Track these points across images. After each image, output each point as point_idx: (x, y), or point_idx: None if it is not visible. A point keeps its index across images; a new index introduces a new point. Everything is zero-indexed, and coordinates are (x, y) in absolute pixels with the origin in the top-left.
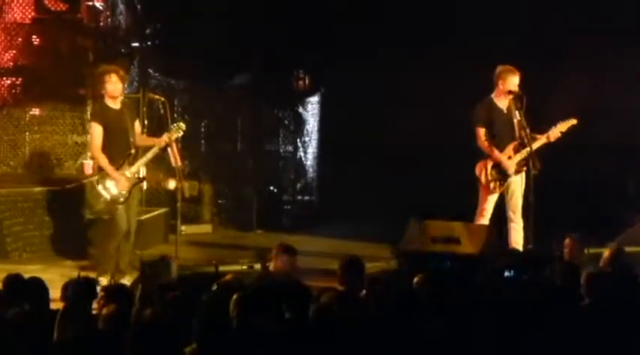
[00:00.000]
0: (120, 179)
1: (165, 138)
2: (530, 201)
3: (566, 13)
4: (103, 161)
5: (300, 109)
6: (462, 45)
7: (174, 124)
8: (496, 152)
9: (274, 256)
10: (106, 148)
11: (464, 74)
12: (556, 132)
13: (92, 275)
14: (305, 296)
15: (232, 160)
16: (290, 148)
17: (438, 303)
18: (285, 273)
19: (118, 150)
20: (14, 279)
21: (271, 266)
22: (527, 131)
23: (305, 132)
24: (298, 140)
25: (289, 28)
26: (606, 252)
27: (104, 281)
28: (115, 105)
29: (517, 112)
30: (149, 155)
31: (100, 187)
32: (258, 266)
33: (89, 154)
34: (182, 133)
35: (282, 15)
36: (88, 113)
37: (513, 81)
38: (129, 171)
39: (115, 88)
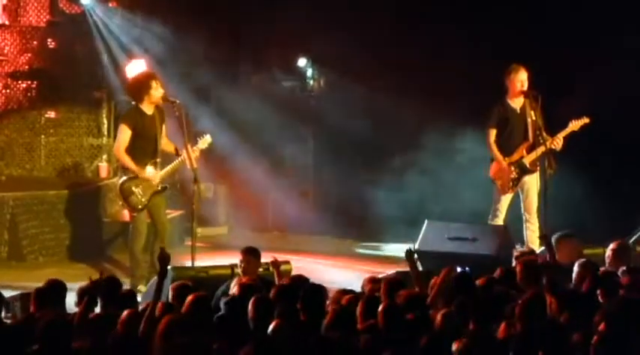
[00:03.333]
0: (144, 180)
1: (191, 153)
2: (546, 200)
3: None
4: (128, 161)
5: (312, 110)
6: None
7: (201, 137)
8: (498, 154)
9: (242, 259)
10: (132, 153)
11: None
12: (568, 131)
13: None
14: (320, 296)
15: (248, 161)
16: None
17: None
18: (253, 274)
19: (144, 157)
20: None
21: (240, 269)
22: (542, 131)
23: (318, 133)
24: (312, 141)
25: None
26: (609, 251)
27: (143, 288)
28: (149, 111)
29: (532, 112)
30: (172, 166)
31: (122, 190)
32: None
33: (104, 157)
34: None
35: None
36: (104, 116)
37: (519, 78)
38: (152, 179)
39: (158, 94)
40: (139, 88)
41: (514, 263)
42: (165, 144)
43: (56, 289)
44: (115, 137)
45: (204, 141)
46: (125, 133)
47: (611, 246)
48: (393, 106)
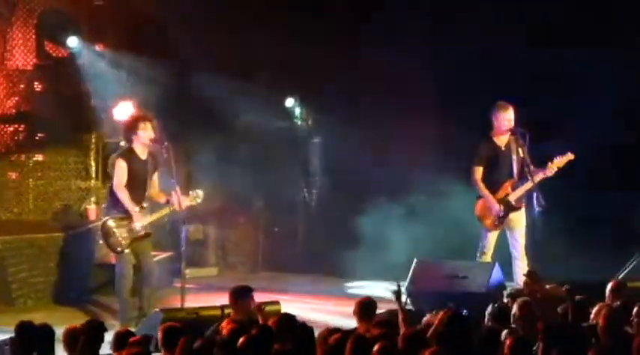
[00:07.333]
0: (128, 222)
1: (181, 205)
2: (536, 237)
3: None
4: (126, 197)
5: (304, 149)
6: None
7: (193, 192)
8: (485, 192)
9: (232, 301)
10: None
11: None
12: (553, 167)
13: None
14: (310, 337)
15: (238, 201)
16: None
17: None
18: (247, 315)
19: (132, 200)
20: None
21: (231, 311)
22: (530, 168)
23: (310, 172)
24: (303, 181)
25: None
26: (608, 287)
27: (133, 329)
28: (142, 154)
29: (519, 149)
30: (161, 214)
31: (103, 229)
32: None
33: (93, 199)
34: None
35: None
36: (92, 158)
37: (505, 116)
38: (138, 224)
39: (147, 135)
40: (127, 129)
41: (505, 300)
42: (156, 194)
43: (45, 334)
44: (102, 179)
45: (195, 198)
46: (123, 169)
47: (610, 284)
48: (384, 146)
